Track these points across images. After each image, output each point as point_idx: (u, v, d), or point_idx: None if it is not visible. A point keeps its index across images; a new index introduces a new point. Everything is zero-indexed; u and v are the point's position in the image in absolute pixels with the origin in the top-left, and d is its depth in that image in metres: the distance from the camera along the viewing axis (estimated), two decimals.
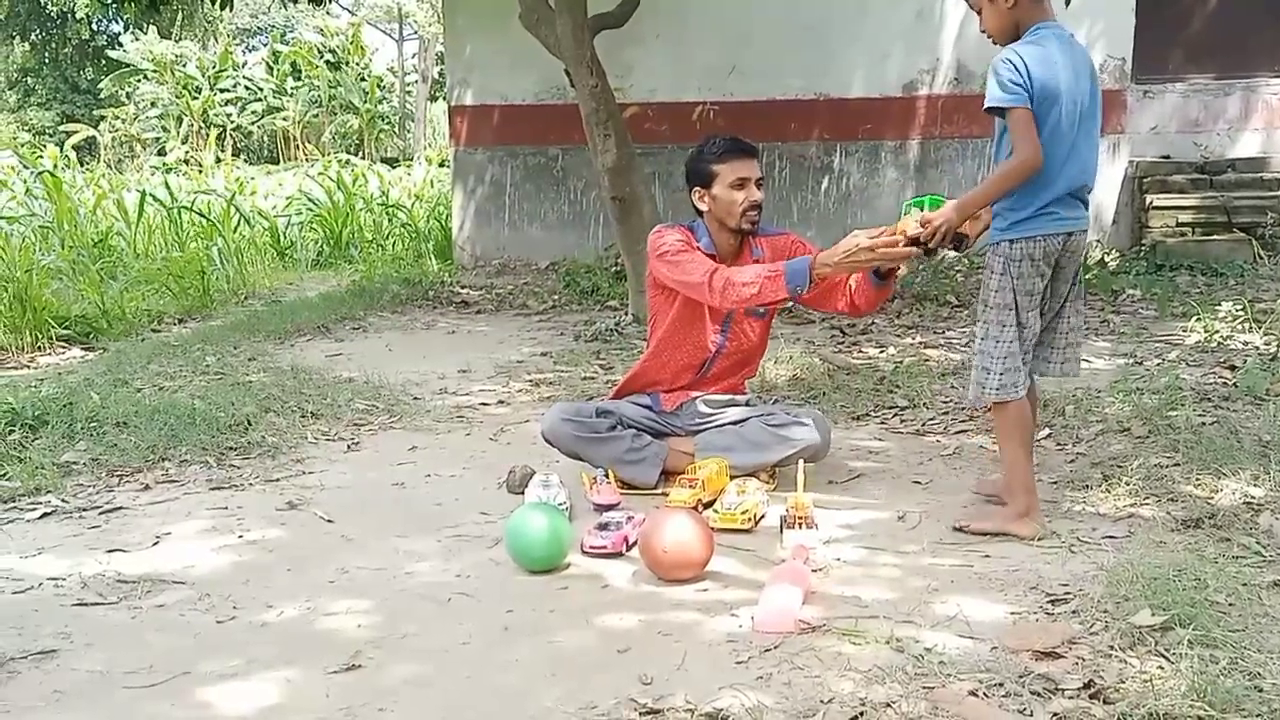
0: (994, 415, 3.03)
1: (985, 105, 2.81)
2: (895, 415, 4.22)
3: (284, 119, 27.51)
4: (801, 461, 3.11)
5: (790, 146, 8.41)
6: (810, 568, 2.67)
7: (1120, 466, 3.33)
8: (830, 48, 8.22)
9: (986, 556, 2.77)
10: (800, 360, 5.07)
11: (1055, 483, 3.32)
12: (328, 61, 28.08)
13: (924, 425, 4.07)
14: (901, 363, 4.99)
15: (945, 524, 3.03)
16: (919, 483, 3.44)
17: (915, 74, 8.23)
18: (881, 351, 5.40)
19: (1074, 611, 2.38)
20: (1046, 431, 3.82)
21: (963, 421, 4.08)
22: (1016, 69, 2.76)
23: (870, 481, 3.48)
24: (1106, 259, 7.64)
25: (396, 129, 30.25)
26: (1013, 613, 2.42)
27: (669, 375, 3.55)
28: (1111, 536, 2.84)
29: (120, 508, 3.35)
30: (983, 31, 2.99)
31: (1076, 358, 3.07)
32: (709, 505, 3.15)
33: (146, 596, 2.65)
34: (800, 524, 2.87)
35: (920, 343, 5.57)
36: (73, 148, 18.41)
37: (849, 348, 5.53)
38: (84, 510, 3.32)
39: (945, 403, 4.31)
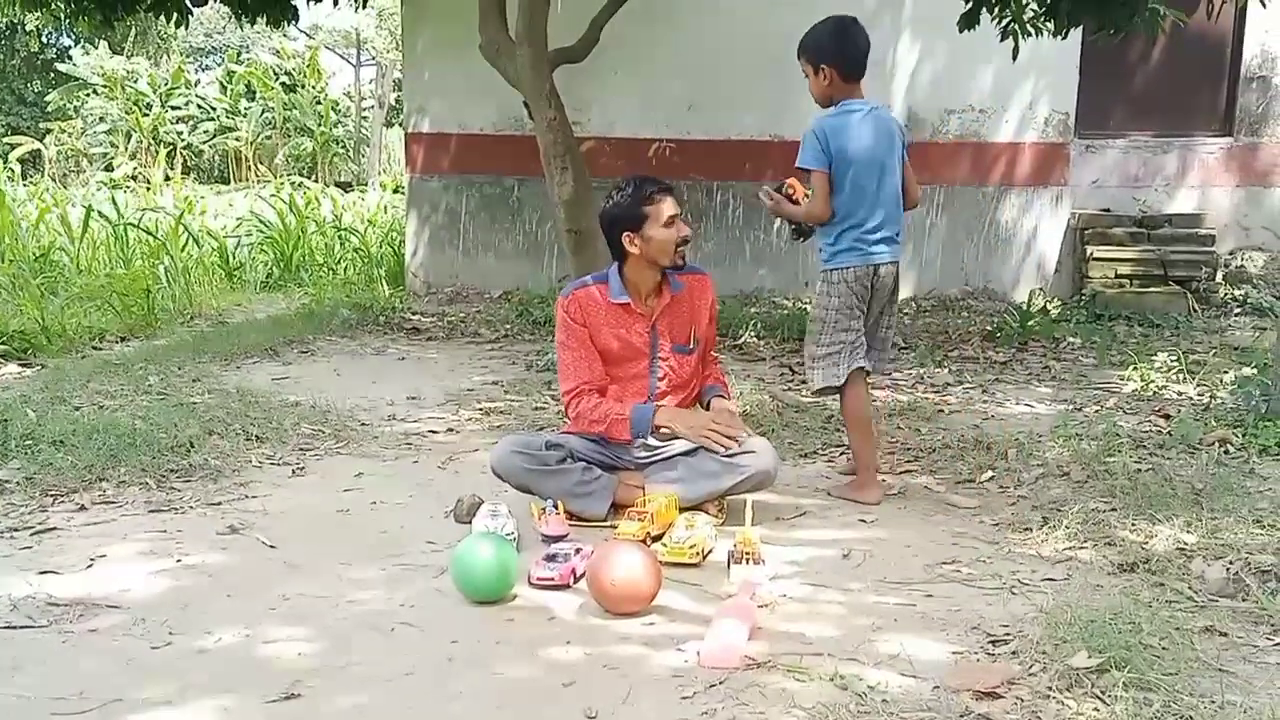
0: (841, 405, 3.75)
1: (796, 164, 3.59)
2: (842, 453, 4.26)
3: (236, 139, 27.28)
4: (749, 497, 3.13)
5: (744, 186, 8.51)
6: (757, 603, 2.68)
7: (1060, 510, 3.39)
8: (787, 89, 8.29)
9: (929, 596, 2.80)
10: (750, 397, 5.11)
11: (998, 524, 3.37)
12: (283, 84, 27.93)
13: None
14: None
15: (890, 563, 3.06)
16: (864, 521, 3.47)
17: None
18: None
19: (1014, 652, 2.41)
20: (990, 474, 3.88)
21: (908, 462, 4.12)
22: (818, 139, 3.55)
23: (816, 519, 3.51)
24: (1049, 306, 7.81)
25: (351, 153, 30.10)
26: (954, 652, 2.44)
27: None
28: (1051, 579, 2.88)
29: (54, 528, 3.27)
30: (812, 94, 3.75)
31: (886, 359, 3.88)
32: (657, 539, 3.15)
33: (79, 620, 2.59)
34: (747, 559, 2.88)
35: (868, 383, 5.61)
36: (17, 160, 18.09)
37: (798, 386, 5.57)
38: (15, 530, 3.24)
39: (891, 442, 4.36)
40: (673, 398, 3.56)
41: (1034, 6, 5.96)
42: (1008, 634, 2.52)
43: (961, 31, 6.11)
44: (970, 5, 6.03)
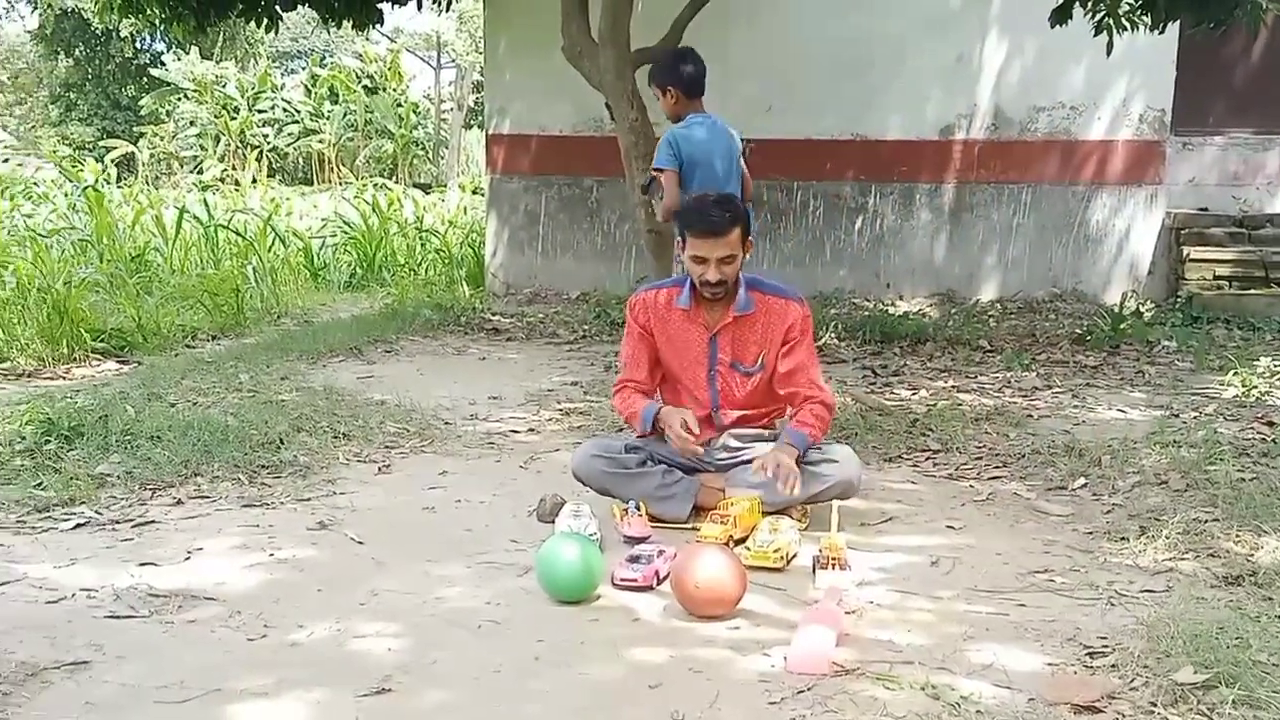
0: None
1: (652, 167, 4.49)
2: (928, 458, 4.19)
3: (320, 141, 27.78)
4: (835, 502, 3.09)
5: (825, 185, 8.44)
6: (843, 610, 2.64)
7: (1158, 519, 3.29)
8: (868, 89, 8.25)
9: (1022, 605, 2.74)
10: None
11: (1092, 533, 3.29)
12: (365, 86, 28.36)
13: (957, 470, 4.04)
14: (934, 405, 4.96)
15: (980, 570, 3.00)
16: (952, 527, 3.41)
17: (953, 118, 8.24)
18: (914, 394, 5.37)
19: (1113, 665, 2.35)
20: (1082, 481, 3.78)
21: (997, 467, 4.04)
22: (670, 146, 4.49)
23: (903, 524, 3.45)
24: (1142, 309, 7.59)
25: (430, 155, 30.49)
26: (1050, 664, 2.38)
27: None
28: (1150, 590, 2.80)
29: (152, 521, 3.36)
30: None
31: None
32: (740, 542, 3.13)
33: (178, 611, 2.66)
34: (833, 565, 2.85)
35: (953, 386, 5.53)
36: (112, 163, 18.66)
37: (881, 389, 5.50)
38: (117, 522, 3.33)
39: (979, 448, 4.27)
40: (736, 414, 3.52)
41: (1129, 1, 5.81)
42: (1106, 646, 2.45)
43: (1053, 27, 5.98)
44: (1062, 1, 5.89)
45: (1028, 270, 8.34)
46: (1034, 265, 8.34)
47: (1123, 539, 3.19)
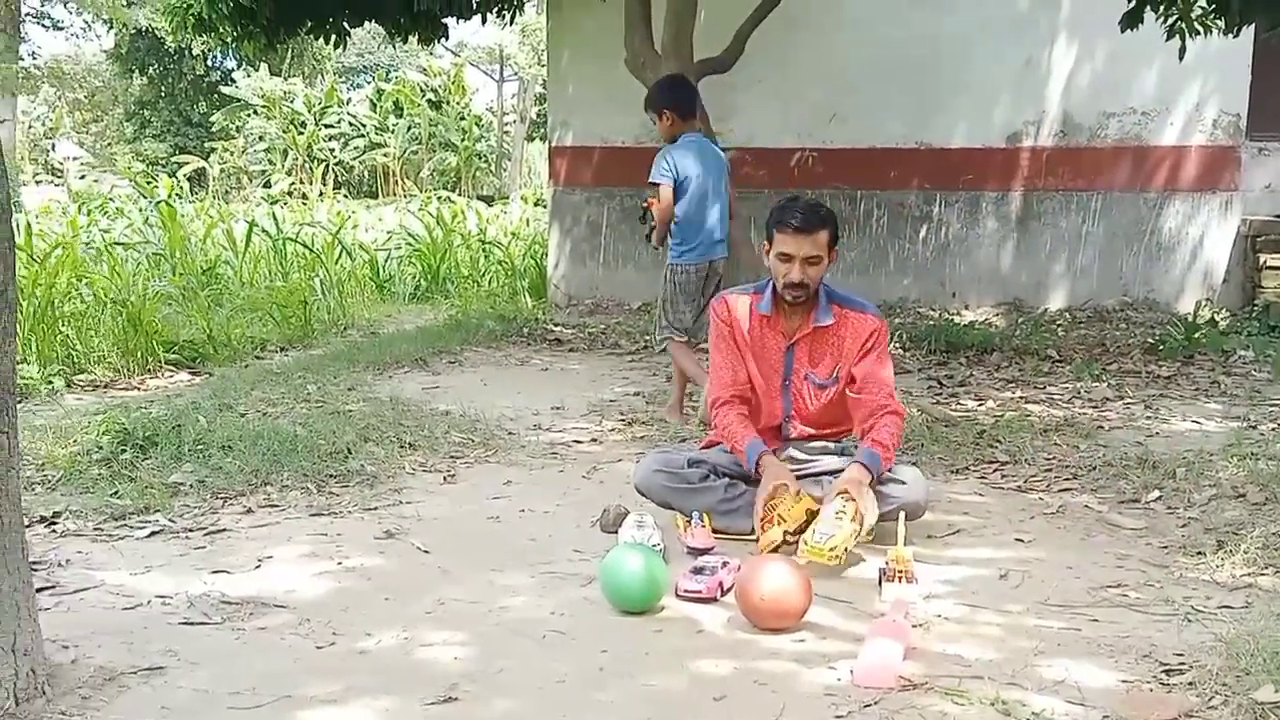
0: (672, 352, 5.03)
1: (649, 179, 4.87)
2: (995, 470, 4.13)
3: (385, 155, 28.19)
4: (903, 514, 3.05)
5: (889, 194, 8.36)
6: (911, 623, 2.61)
7: (1236, 534, 3.21)
8: (934, 96, 8.16)
9: (1095, 621, 2.69)
10: None
11: (1166, 547, 3.21)
12: (429, 100, 28.74)
13: (1026, 482, 3.97)
14: (1002, 416, 4.89)
15: (1050, 584, 2.94)
16: (1021, 540, 3.35)
17: (1020, 124, 8.12)
18: (980, 404, 5.29)
19: (1191, 683, 2.29)
20: (1156, 494, 3.70)
21: (1067, 480, 3.96)
22: (666, 161, 4.83)
23: (970, 537, 3.41)
24: (1217, 318, 7.41)
25: (493, 167, 30.79)
26: (1125, 681, 2.33)
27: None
28: (1228, 606, 2.73)
29: (224, 529, 3.42)
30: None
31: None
32: (800, 533, 3.08)
33: (249, 619, 2.70)
34: (900, 578, 2.81)
35: (1021, 397, 5.45)
36: (184, 178, 19.11)
37: (947, 399, 5.43)
38: (190, 531, 3.40)
39: (1048, 459, 4.20)
40: (807, 428, 3.49)
41: (1202, 4, 5.68)
42: (1183, 664, 2.40)
43: (1124, 31, 5.86)
44: (1133, 4, 5.78)
45: (1097, 278, 8.18)
46: (1104, 273, 8.18)
47: (1199, 554, 3.12)
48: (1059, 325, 7.55)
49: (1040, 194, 8.17)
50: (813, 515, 3.12)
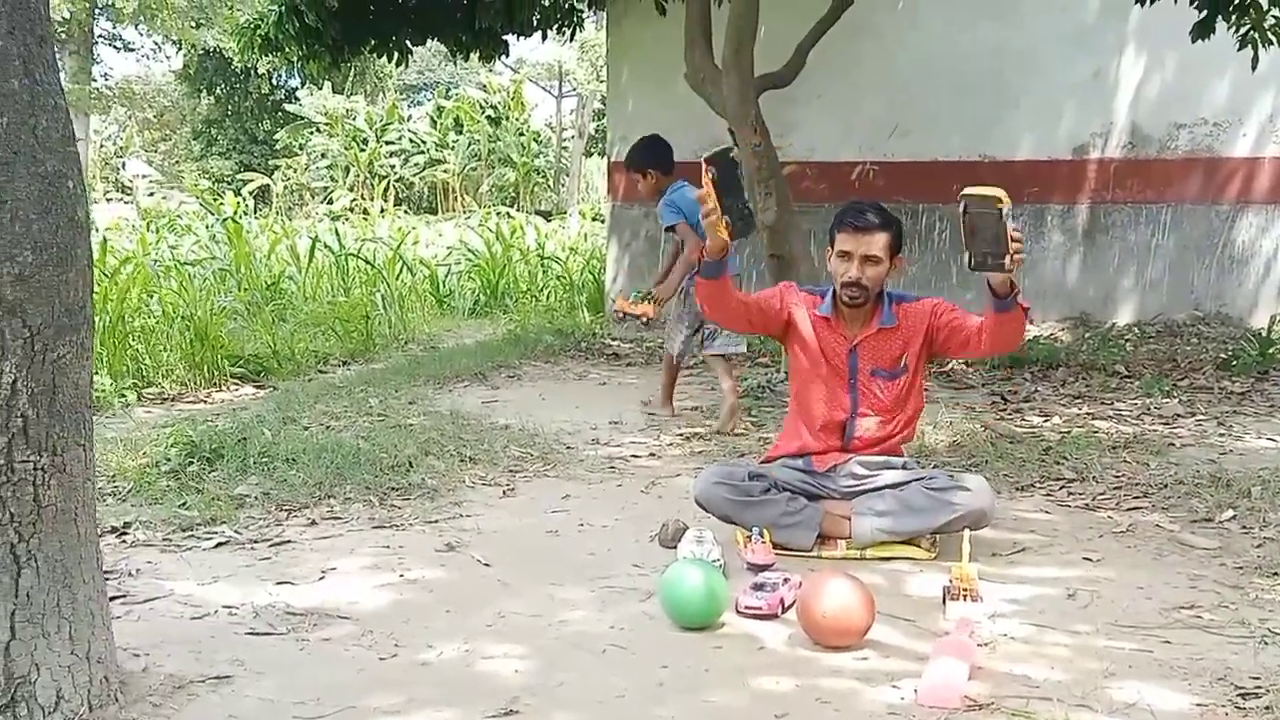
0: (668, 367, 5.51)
1: (664, 225, 5.28)
2: (1062, 488, 4.05)
3: (444, 171, 28.55)
4: (967, 530, 3.01)
5: (951, 208, 8.24)
6: (976, 642, 2.56)
7: None
8: (996, 107, 8.07)
9: (1167, 642, 2.62)
10: (960, 426, 4.93)
11: (1241, 568, 3.13)
12: (489, 116, 29.07)
13: (1094, 499, 3.89)
14: (1068, 433, 4.80)
15: (1120, 605, 2.88)
16: (1090, 559, 3.28)
17: (1087, 136, 7.99)
18: (1046, 420, 5.21)
19: (1267, 707, 2.22)
20: (1230, 513, 3.60)
21: (1136, 498, 3.88)
22: (673, 205, 5.21)
23: (1036, 555, 3.34)
24: None
25: (551, 183, 31.03)
26: (1199, 704, 2.27)
27: (814, 438, 3.49)
28: None
29: (288, 541, 3.46)
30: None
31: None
32: None
33: (313, 629, 2.73)
34: (965, 596, 2.77)
35: (1088, 413, 5.35)
36: (249, 195, 19.49)
37: (1011, 415, 5.35)
38: (255, 542, 3.45)
39: (1117, 477, 4.11)
40: (875, 420, 3.46)
41: (1276, 13, 5.56)
42: (1259, 687, 2.33)
43: (1194, 41, 5.76)
44: (1205, 14, 5.67)
45: (1167, 292, 8.01)
46: (1174, 287, 8.00)
47: (1275, 574, 3.03)
48: (1127, 340, 7.41)
49: (1108, 206, 8.03)
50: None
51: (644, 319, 5.40)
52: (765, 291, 3.55)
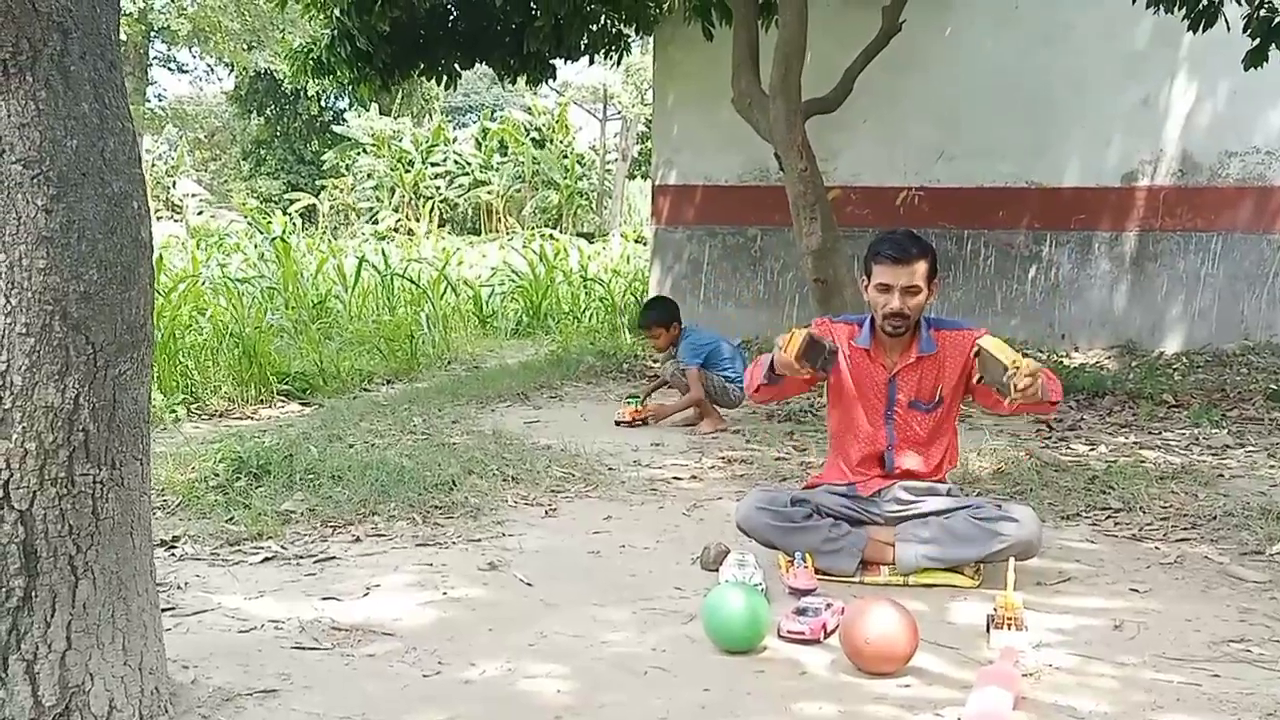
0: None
1: (684, 364, 5.89)
2: (1108, 517, 4.00)
3: (489, 192, 28.79)
4: (1012, 559, 2.98)
5: (996, 234, 8.24)
6: (1020, 671, 2.54)
7: None
8: (1045, 134, 8.04)
9: (1216, 676, 2.58)
10: (1005, 453, 4.89)
11: None
12: (533, 139, 29.31)
13: (1141, 530, 3.84)
14: (1115, 462, 4.75)
15: (1167, 637, 2.84)
16: (1136, 590, 3.24)
17: (1136, 164, 7.93)
18: (1092, 449, 5.15)
19: None
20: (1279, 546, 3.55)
21: (1184, 529, 3.82)
22: (694, 348, 5.84)
23: (1082, 585, 3.30)
24: None
25: (594, 205, 31.19)
26: None
27: (855, 471, 3.48)
28: None
29: (333, 557, 3.50)
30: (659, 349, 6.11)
31: None
32: (806, 355, 3.05)
33: (358, 645, 2.76)
34: (1009, 625, 2.74)
35: (1135, 442, 5.29)
36: (296, 214, 19.78)
37: (1056, 444, 5.30)
38: (301, 558, 3.49)
39: (1165, 508, 4.06)
40: (911, 454, 3.44)
41: None
42: None
43: (1247, 69, 5.71)
44: (1258, 42, 5.62)
45: (1216, 322, 7.91)
46: (1223, 317, 7.91)
47: None
48: (1175, 369, 7.32)
49: (1156, 234, 7.96)
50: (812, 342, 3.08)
51: (635, 420, 5.81)
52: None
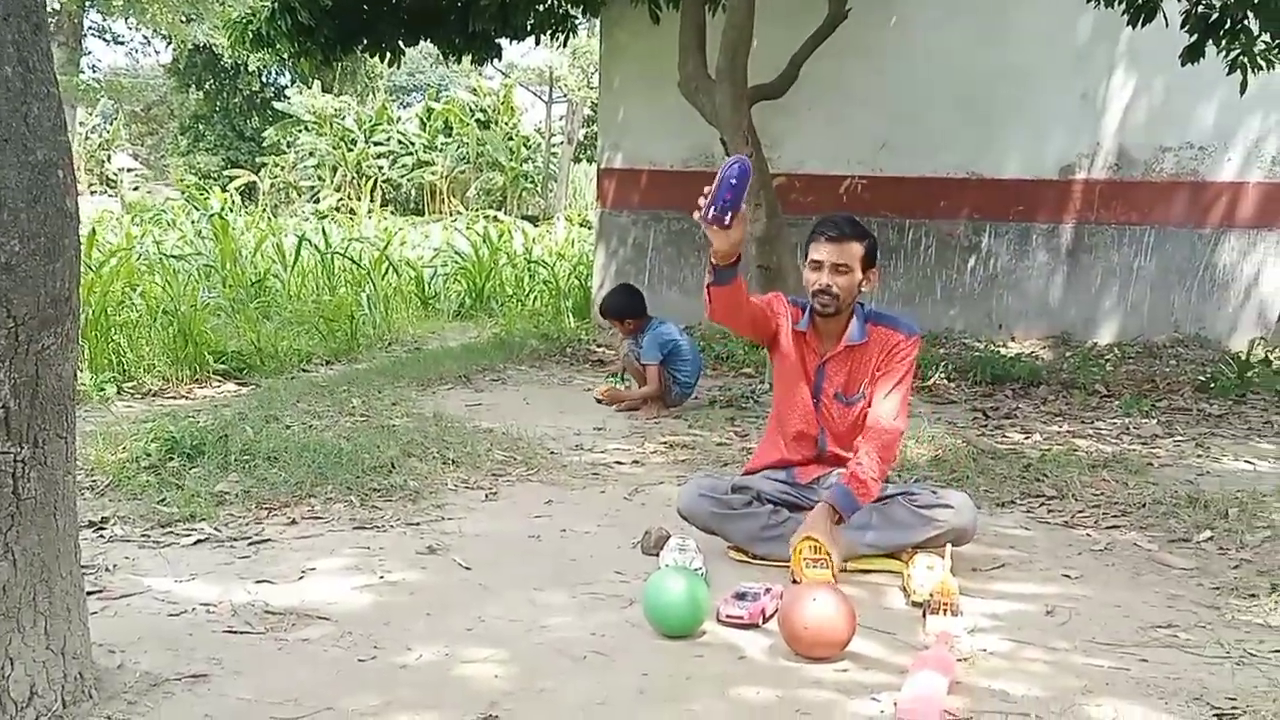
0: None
1: (642, 362, 5.82)
2: (1042, 505, 4.07)
3: (432, 173, 28.47)
4: (949, 545, 3.01)
5: (938, 224, 8.31)
6: (955, 656, 2.57)
7: None
8: (986, 127, 8.12)
9: (1144, 661, 2.63)
10: (942, 440, 4.95)
11: (1218, 588, 3.15)
12: (478, 120, 29.02)
13: (1073, 517, 3.91)
14: (1048, 450, 4.82)
15: (1098, 623, 2.89)
16: (1069, 576, 3.30)
17: (1074, 157, 8.05)
18: (1027, 438, 5.23)
19: None
20: (1208, 534, 3.63)
21: (1115, 516, 3.90)
22: (656, 344, 5.77)
23: (1016, 571, 3.35)
24: (1270, 357, 7.27)
25: (539, 188, 30.99)
26: None
27: (790, 447, 3.49)
28: None
29: (268, 540, 3.44)
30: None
31: None
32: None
33: (292, 629, 2.71)
34: (945, 610, 2.77)
35: (1068, 431, 5.38)
36: (235, 191, 19.40)
37: (992, 432, 5.37)
38: (234, 540, 3.42)
39: (1096, 495, 4.13)
40: (837, 446, 3.45)
41: (1266, 39, 5.61)
42: (1235, 708, 2.34)
43: (1184, 65, 5.81)
44: (1195, 38, 5.72)
45: (1148, 314, 8.07)
46: (1155, 309, 8.07)
47: (1252, 596, 3.05)
48: (1108, 360, 7.46)
49: (1092, 227, 8.09)
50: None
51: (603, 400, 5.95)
52: (761, 297, 3.55)
